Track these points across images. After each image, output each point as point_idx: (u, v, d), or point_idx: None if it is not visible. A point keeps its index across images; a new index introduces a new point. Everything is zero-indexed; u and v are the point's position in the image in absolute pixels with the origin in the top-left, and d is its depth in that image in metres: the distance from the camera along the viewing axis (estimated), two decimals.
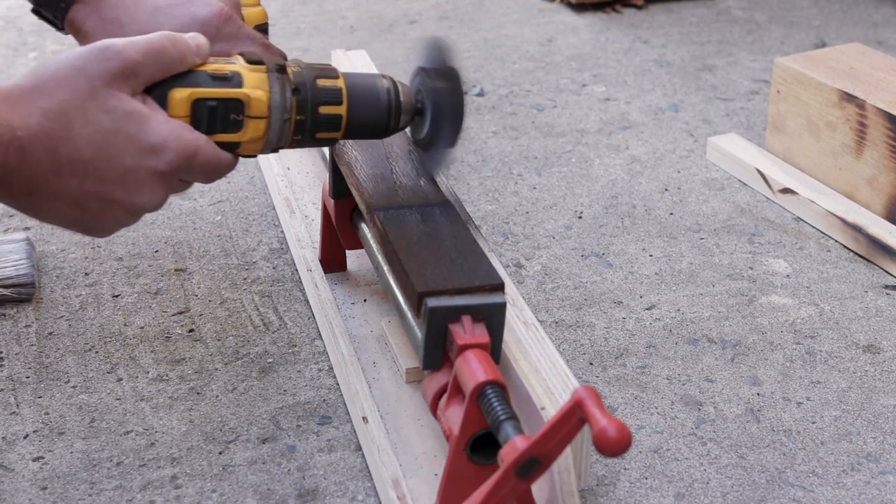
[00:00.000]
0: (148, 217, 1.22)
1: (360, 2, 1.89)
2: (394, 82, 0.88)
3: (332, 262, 1.08)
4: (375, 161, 0.97)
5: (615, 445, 0.65)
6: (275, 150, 0.85)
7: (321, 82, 0.85)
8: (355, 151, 0.98)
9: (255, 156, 0.86)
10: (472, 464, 0.78)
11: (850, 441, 0.92)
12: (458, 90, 0.88)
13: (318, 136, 0.86)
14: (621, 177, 1.33)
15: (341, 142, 0.99)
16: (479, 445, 0.78)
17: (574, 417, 0.68)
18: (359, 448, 0.91)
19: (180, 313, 1.07)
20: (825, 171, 1.27)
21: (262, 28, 1.04)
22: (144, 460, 0.89)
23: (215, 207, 1.25)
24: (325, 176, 1.06)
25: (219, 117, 0.81)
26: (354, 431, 0.92)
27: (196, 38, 0.82)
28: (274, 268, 1.14)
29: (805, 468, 0.90)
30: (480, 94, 1.54)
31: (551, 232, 1.22)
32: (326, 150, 1.12)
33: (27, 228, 1.20)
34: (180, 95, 0.80)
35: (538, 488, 0.80)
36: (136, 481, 0.87)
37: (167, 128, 0.78)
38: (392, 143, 1.00)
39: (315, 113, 0.84)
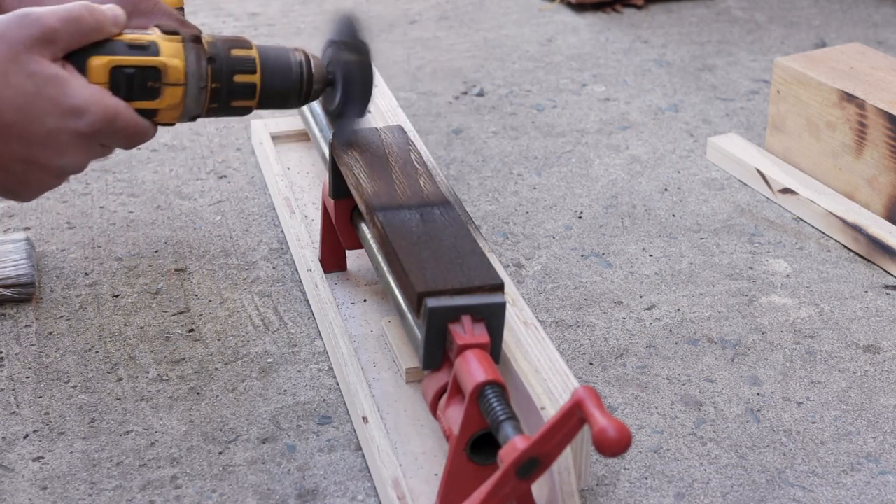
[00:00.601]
0: (148, 217, 1.22)
1: (360, 2, 1.89)
2: (305, 54, 0.92)
3: (332, 262, 1.08)
4: (375, 161, 0.97)
5: (615, 445, 0.65)
6: (192, 119, 0.89)
7: (235, 52, 0.88)
8: (355, 152, 0.98)
9: (173, 123, 0.88)
10: (472, 464, 0.78)
11: (850, 441, 0.92)
12: (366, 63, 0.93)
13: (233, 105, 0.89)
14: (621, 177, 1.33)
15: (342, 143, 0.99)
16: (478, 445, 0.78)
17: (574, 417, 0.68)
18: (359, 448, 0.91)
19: (180, 313, 1.07)
20: (825, 171, 1.27)
21: (178, 7, 1.06)
22: (144, 460, 0.89)
23: (215, 207, 1.25)
24: (325, 176, 1.06)
25: (137, 84, 0.84)
26: (354, 431, 0.92)
27: (113, 10, 0.85)
28: (274, 268, 1.14)
29: (805, 468, 0.90)
30: (480, 94, 1.54)
31: (551, 232, 1.22)
32: (326, 150, 1.12)
33: (27, 228, 1.20)
34: (99, 62, 0.83)
35: (538, 488, 0.80)
36: (136, 481, 0.87)
37: (88, 91, 0.81)
38: (392, 143, 1.00)
39: (230, 81, 0.88)
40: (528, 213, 1.25)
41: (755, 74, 1.60)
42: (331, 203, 1.02)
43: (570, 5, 1.86)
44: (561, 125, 1.46)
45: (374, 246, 0.95)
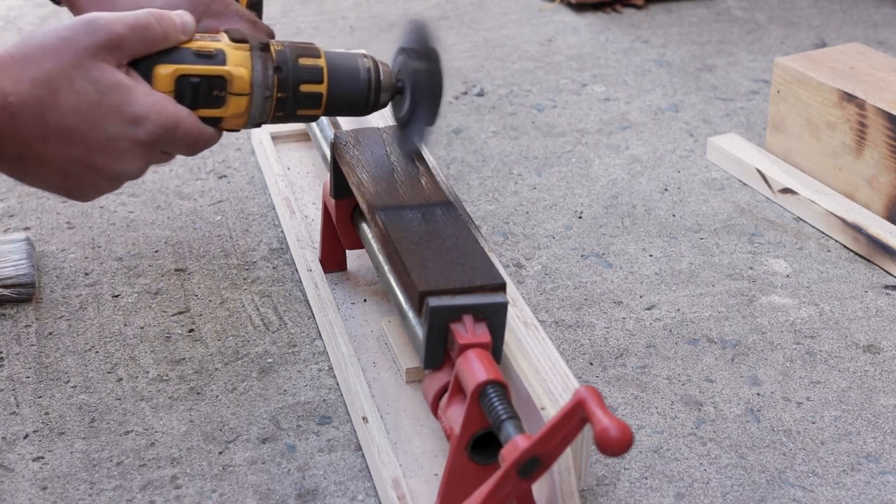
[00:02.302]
0: (148, 217, 1.22)
1: (360, 2, 1.89)
2: (375, 62, 0.91)
3: (332, 262, 1.08)
4: (377, 161, 0.97)
5: (617, 445, 0.65)
6: (257, 125, 0.88)
7: (303, 61, 0.87)
8: (357, 151, 0.98)
9: (238, 130, 0.88)
10: (473, 463, 0.78)
11: (850, 441, 0.92)
12: (437, 70, 0.91)
13: (299, 113, 0.89)
14: (621, 177, 1.33)
15: (343, 142, 0.99)
16: (479, 445, 0.78)
17: (575, 417, 0.68)
18: (359, 448, 0.91)
19: (180, 313, 1.07)
20: (825, 171, 1.27)
21: (255, 2, 1.05)
22: (144, 460, 0.89)
23: (215, 207, 1.25)
24: (326, 176, 1.06)
25: (202, 93, 0.84)
26: (354, 431, 0.92)
27: (182, 16, 0.85)
28: (274, 268, 1.14)
29: (805, 468, 0.90)
30: (480, 94, 1.54)
31: (551, 232, 1.22)
32: (328, 149, 1.12)
33: (27, 228, 1.20)
34: (165, 71, 0.83)
35: (538, 488, 0.80)
36: (136, 481, 0.87)
37: (150, 100, 0.81)
38: (393, 143, 1.00)
39: (296, 91, 0.87)
40: (528, 213, 1.25)
41: (755, 74, 1.60)
42: (331, 203, 1.02)
43: (570, 5, 1.86)
44: (561, 125, 1.46)
45: (375, 245, 0.95)
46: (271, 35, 0.95)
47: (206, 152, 1.36)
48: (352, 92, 0.89)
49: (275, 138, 1.30)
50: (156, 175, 1.31)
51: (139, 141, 0.81)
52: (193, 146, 0.85)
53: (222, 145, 1.37)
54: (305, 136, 1.31)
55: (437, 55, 0.91)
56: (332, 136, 1.01)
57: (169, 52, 0.83)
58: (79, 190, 0.84)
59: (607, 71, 1.62)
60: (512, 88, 1.56)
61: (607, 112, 1.49)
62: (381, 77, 0.90)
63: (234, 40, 0.86)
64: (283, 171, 1.24)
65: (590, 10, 1.85)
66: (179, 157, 1.34)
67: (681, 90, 1.56)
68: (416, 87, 0.91)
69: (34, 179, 0.82)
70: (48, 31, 0.80)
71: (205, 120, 0.85)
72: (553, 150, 1.39)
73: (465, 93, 1.54)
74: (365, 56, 0.91)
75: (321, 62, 0.88)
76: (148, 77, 0.83)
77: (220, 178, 1.31)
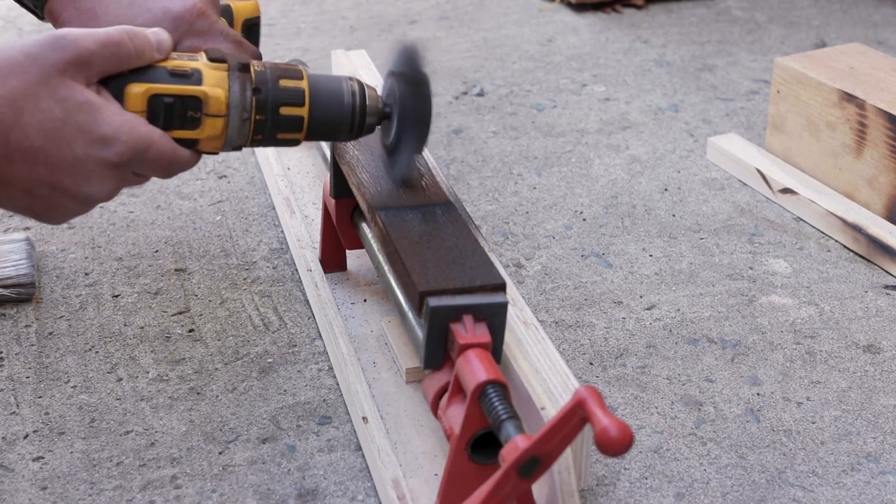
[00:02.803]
0: (148, 217, 1.22)
1: (360, 2, 1.89)
2: (361, 85, 0.88)
3: (332, 262, 1.08)
4: (377, 161, 0.97)
5: (617, 445, 0.65)
6: (236, 149, 0.86)
7: (284, 83, 0.85)
8: (357, 151, 0.98)
9: (216, 153, 0.86)
10: (473, 463, 0.78)
11: (850, 441, 0.92)
12: (426, 96, 0.88)
13: (279, 137, 0.86)
14: (621, 177, 1.33)
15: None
16: (479, 445, 0.78)
17: (576, 417, 0.68)
18: (359, 448, 0.91)
19: (180, 313, 1.07)
20: (825, 171, 1.27)
21: (253, 22, 1.03)
22: (144, 460, 0.89)
23: (215, 207, 1.25)
24: (326, 176, 1.06)
25: (176, 114, 0.81)
26: (354, 431, 0.92)
27: (158, 35, 0.83)
28: (274, 268, 1.14)
29: (805, 468, 0.90)
30: (480, 94, 1.54)
31: (551, 232, 1.22)
32: (328, 149, 1.12)
33: (27, 228, 1.20)
34: (137, 90, 0.80)
35: (538, 488, 0.80)
36: (136, 481, 0.87)
37: (119, 120, 0.78)
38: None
39: (276, 113, 0.85)
40: (528, 213, 1.25)
41: (755, 74, 1.60)
42: (332, 203, 1.02)
43: (570, 5, 1.86)
44: (561, 125, 1.46)
45: (375, 245, 0.95)
46: (257, 56, 0.92)
47: None
48: (334, 116, 0.86)
49: None
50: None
51: (108, 162, 0.78)
52: (167, 168, 0.82)
53: None
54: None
55: (427, 80, 0.88)
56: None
57: (142, 71, 0.81)
58: (47, 212, 0.81)
59: (607, 71, 1.62)
60: (512, 88, 1.56)
61: (607, 112, 1.49)
62: (367, 101, 0.87)
63: (212, 60, 0.83)
64: (283, 171, 1.24)
65: (590, 10, 1.85)
66: None
67: (681, 90, 1.56)
68: (403, 112, 0.88)
69: (0, 201, 0.79)
70: (15, 46, 0.77)
71: (180, 142, 0.82)
72: (553, 150, 1.39)
73: (465, 93, 1.54)
74: (351, 79, 0.88)
75: (303, 84, 0.85)
76: (119, 96, 0.80)
77: (220, 178, 1.31)
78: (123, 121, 0.79)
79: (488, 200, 1.28)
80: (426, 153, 1.06)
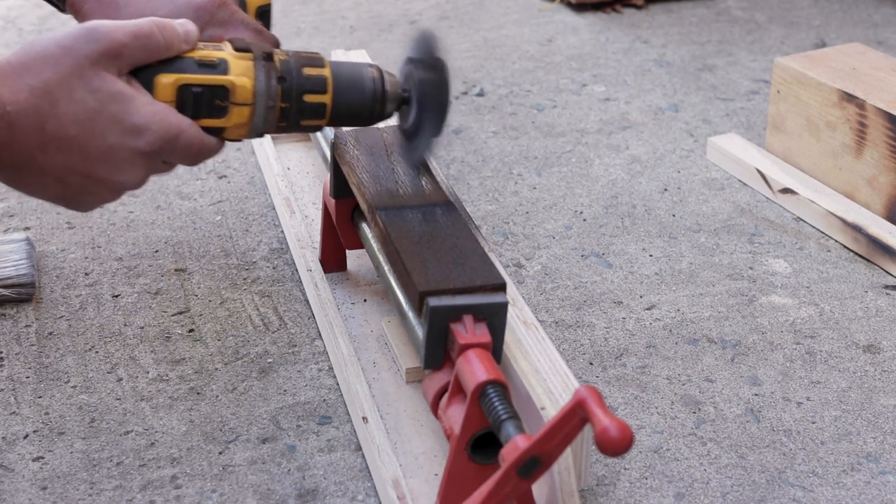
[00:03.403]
0: (148, 217, 1.22)
1: (360, 2, 1.89)
2: (381, 72, 0.90)
3: (332, 262, 1.08)
4: (377, 161, 0.97)
5: (617, 445, 0.65)
6: (260, 136, 0.87)
7: (307, 71, 0.86)
8: (357, 151, 0.98)
9: (240, 140, 0.87)
10: (473, 463, 0.78)
11: (850, 441, 0.92)
12: (444, 81, 0.90)
13: (302, 123, 0.88)
14: (621, 177, 1.33)
15: (343, 142, 0.99)
16: (479, 445, 0.78)
17: (576, 417, 0.68)
18: (359, 448, 0.91)
19: (180, 313, 1.07)
20: (825, 171, 1.27)
21: (264, 9, 1.04)
22: (144, 460, 0.89)
23: (215, 207, 1.25)
24: (326, 176, 1.06)
25: (204, 103, 0.83)
26: (354, 431, 0.92)
27: (185, 25, 0.84)
28: (274, 268, 1.14)
29: (805, 468, 0.90)
30: (480, 94, 1.54)
31: (551, 232, 1.22)
32: (328, 149, 1.12)
33: (27, 228, 1.20)
34: (166, 80, 0.82)
35: (538, 488, 0.80)
36: (136, 481, 0.87)
37: (150, 109, 0.80)
38: (394, 143, 1.00)
39: (300, 101, 0.86)
40: (528, 213, 1.25)
41: (755, 74, 1.60)
42: (332, 202, 1.02)
43: (570, 5, 1.86)
44: (561, 125, 1.46)
45: (375, 245, 0.95)
46: (277, 44, 0.94)
47: None
48: (356, 102, 0.88)
49: (275, 138, 1.30)
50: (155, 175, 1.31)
51: (139, 151, 0.80)
52: (196, 156, 0.84)
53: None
54: (305, 136, 1.31)
55: (445, 66, 0.90)
56: (333, 136, 1.01)
57: (171, 62, 0.82)
58: (78, 200, 0.83)
59: (607, 71, 1.62)
60: (512, 88, 1.56)
61: (607, 112, 1.49)
62: (387, 87, 0.89)
63: (237, 50, 0.85)
64: (283, 171, 1.24)
65: (590, 10, 1.85)
66: None
67: (681, 90, 1.56)
68: (422, 97, 0.90)
69: (32, 189, 0.81)
70: (48, 39, 0.79)
71: (207, 130, 0.84)
72: (553, 150, 1.39)
73: (465, 93, 1.54)
74: (371, 66, 0.90)
75: (326, 72, 0.87)
76: (149, 86, 0.82)
77: (220, 178, 1.31)
78: (154, 110, 0.80)
79: (488, 200, 1.28)
80: None
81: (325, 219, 1.05)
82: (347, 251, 1.08)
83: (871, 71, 1.26)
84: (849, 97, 1.22)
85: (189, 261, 1.15)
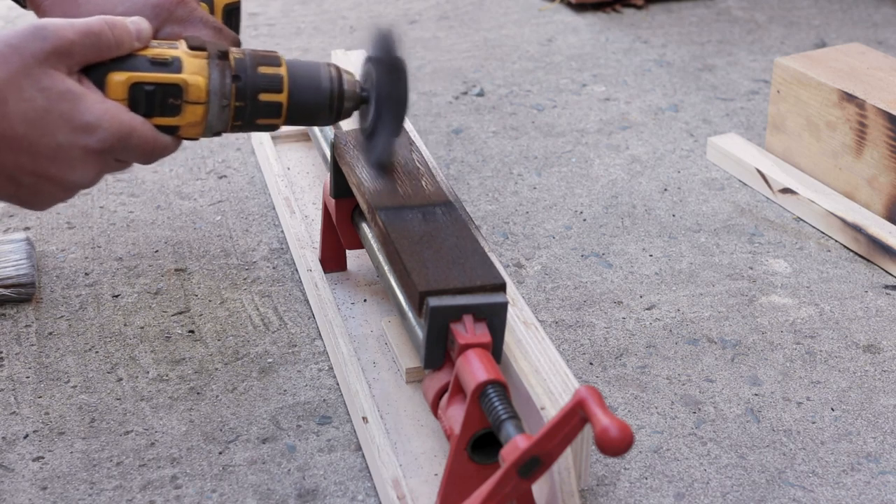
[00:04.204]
0: (148, 217, 1.22)
1: (360, 2, 1.89)
2: (339, 71, 0.89)
3: (332, 262, 1.08)
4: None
5: (618, 445, 0.65)
6: (217, 134, 0.87)
7: (262, 70, 0.86)
8: (357, 151, 0.98)
9: (196, 139, 0.87)
10: (473, 463, 0.78)
11: (850, 441, 0.92)
12: (402, 80, 0.89)
13: (258, 122, 0.87)
14: (621, 177, 1.33)
15: (343, 142, 0.99)
16: (480, 445, 0.78)
17: (576, 417, 0.68)
18: (359, 448, 0.91)
19: (180, 313, 1.07)
20: (825, 171, 1.27)
21: (233, 7, 1.03)
22: (144, 460, 0.89)
23: (215, 207, 1.25)
24: (326, 176, 1.06)
25: (157, 101, 0.83)
26: (354, 431, 0.92)
27: (137, 23, 0.84)
28: (274, 268, 1.14)
29: (805, 468, 0.90)
30: (480, 94, 1.54)
31: (551, 232, 1.22)
32: (328, 149, 1.12)
33: (27, 228, 1.20)
34: (118, 78, 0.82)
35: (538, 488, 0.80)
36: (136, 481, 0.87)
37: (101, 107, 0.80)
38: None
39: (255, 100, 0.86)
40: (528, 213, 1.25)
41: (755, 74, 1.60)
42: (332, 202, 1.02)
43: (570, 5, 1.86)
44: (561, 125, 1.46)
45: (375, 245, 0.95)
46: (237, 43, 0.93)
47: (205, 152, 1.36)
48: (313, 101, 0.88)
49: (275, 138, 1.30)
50: (156, 175, 1.31)
51: (90, 149, 0.80)
52: (149, 155, 0.84)
53: (222, 145, 1.37)
54: (305, 136, 1.31)
55: (403, 65, 0.89)
56: (332, 136, 1.01)
57: (123, 60, 0.82)
58: (32, 199, 0.82)
59: (607, 71, 1.62)
60: (512, 88, 1.56)
61: (607, 112, 1.49)
62: (345, 87, 0.89)
63: (191, 48, 0.84)
64: (283, 171, 1.24)
65: (590, 10, 1.85)
66: (179, 158, 1.34)
67: (681, 90, 1.56)
68: (380, 97, 0.89)
69: None
70: None
71: (160, 128, 0.84)
72: (553, 150, 1.39)
73: (465, 93, 1.54)
74: (330, 65, 0.89)
75: (282, 71, 0.86)
76: (101, 85, 0.81)
77: (220, 178, 1.31)
78: (105, 108, 0.80)
79: (488, 200, 1.28)
80: (426, 153, 1.06)
81: (325, 219, 1.05)
82: (347, 251, 1.08)
83: (871, 71, 1.26)
84: (849, 97, 1.22)
85: (189, 261, 1.15)
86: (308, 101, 0.88)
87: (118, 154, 0.82)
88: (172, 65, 0.83)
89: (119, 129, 0.80)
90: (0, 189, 0.81)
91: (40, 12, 0.94)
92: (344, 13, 1.84)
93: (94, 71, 0.81)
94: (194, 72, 0.83)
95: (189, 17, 0.90)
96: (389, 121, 0.90)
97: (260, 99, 0.86)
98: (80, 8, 0.90)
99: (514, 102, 1.52)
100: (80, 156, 0.80)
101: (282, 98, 0.87)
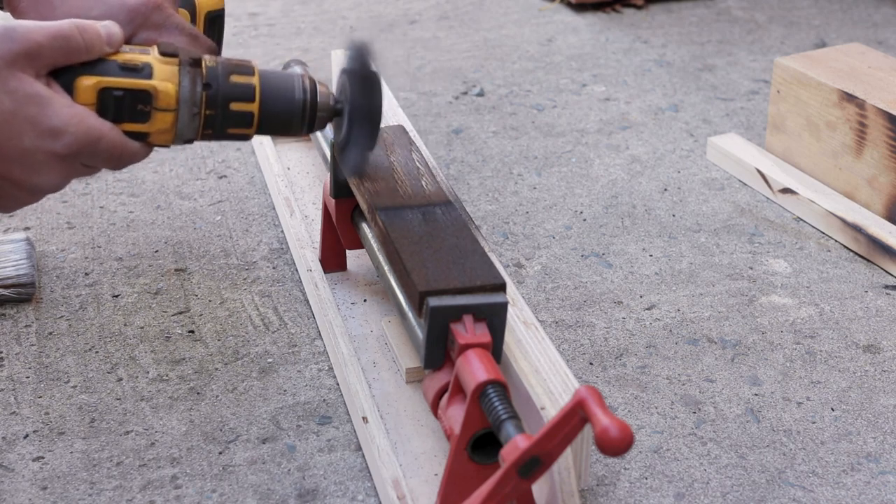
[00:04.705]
0: (148, 217, 1.22)
1: (360, 2, 1.89)
2: (313, 82, 0.89)
3: (332, 262, 1.08)
4: (377, 161, 0.97)
5: (618, 445, 0.65)
6: (187, 142, 0.86)
7: (234, 79, 0.85)
8: None
9: (167, 146, 0.86)
10: (473, 463, 0.78)
11: (850, 441, 0.92)
12: (376, 94, 0.89)
13: (229, 131, 0.87)
14: (621, 177, 1.33)
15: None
16: (480, 445, 0.78)
17: (576, 417, 0.68)
18: (359, 448, 0.91)
19: (180, 313, 1.07)
20: (825, 171, 1.27)
21: (216, 14, 1.02)
22: (144, 460, 0.89)
23: (215, 207, 1.25)
24: (326, 176, 1.06)
25: (126, 107, 0.82)
26: (354, 431, 0.92)
27: (109, 28, 0.83)
28: (274, 268, 1.14)
29: (805, 468, 0.90)
30: (480, 94, 1.54)
31: (551, 232, 1.22)
32: (328, 149, 1.12)
33: (27, 228, 1.20)
34: (87, 83, 0.81)
35: (538, 488, 0.80)
36: (136, 481, 0.87)
37: (69, 112, 0.79)
38: (394, 142, 1.00)
39: (226, 109, 0.85)
40: (528, 213, 1.25)
41: (755, 74, 1.60)
42: (331, 202, 1.02)
43: (570, 5, 1.86)
44: (561, 125, 1.46)
45: (375, 245, 0.95)
46: (213, 51, 0.92)
47: (205, 152, 1.36)
48: (285, 112, 0.87)
49: (275, 138, 1.30)
50: (156, 175, 1.31)
51: (57, 154, 0.79)
52: (117, 161, 0.83)
53: (222, 145, 1.37)
54: (305, 136, 1.31)
55: (377, 78, 0.89)
56: (333, 137, 1.01)
57: (93, 64, 0.81)
58: None
59: (607, 71, 1.62)
60: (512, 88, 1.56)
61: (607, 112, 1.49)
62: (318, 98, 0.88)
63: (163, 54, 0.83)
64: (283, 171, 1.24)
65: (590, 10, 1.85)
66: (179, 157, 1.34)
67: (681, 90, 1.56)
68: (354, 109, 0.89)
69: None
70: None
71: (129, 134, 0.83)
72: (553, 150, 1.39)
73: (465, 93, 1.54)
74: (304, 76, 0.89)
75: (254, 80, 0.86)
76: (69, 89, 0.81)
77: (220, 178, 1.31)
78: (73, 113, 0.79)
79: (488, 200, 1.28)
80: (426, 153, 1.06)
81: (325, 219, 1.05)
82: (347, 251, 1.08)
83: (871, 71, 1.26)
84: (849, 97, 1.22)
85: (189, 261, 1.15)
86: (280, 112, 0.87)
87: (85, 159, 0.81)
88: (143, 71, 0.82)
89: (86, 134, 0.80)
90: None
91: (16, 14, 0.94)
92: (344, 13, 1.84)
93: (64, 75, 0.81)
94: (164, 78, 0.83)
95: (165, 22, 0.89)
96: (363, 134, 0.89)
97: (231, 108, 0.85)
98: (55, 10, 0.89)
99: (514, 102, 1.52)
100: (45, 160, 0.79)
101: (253, 108, 0.86)
